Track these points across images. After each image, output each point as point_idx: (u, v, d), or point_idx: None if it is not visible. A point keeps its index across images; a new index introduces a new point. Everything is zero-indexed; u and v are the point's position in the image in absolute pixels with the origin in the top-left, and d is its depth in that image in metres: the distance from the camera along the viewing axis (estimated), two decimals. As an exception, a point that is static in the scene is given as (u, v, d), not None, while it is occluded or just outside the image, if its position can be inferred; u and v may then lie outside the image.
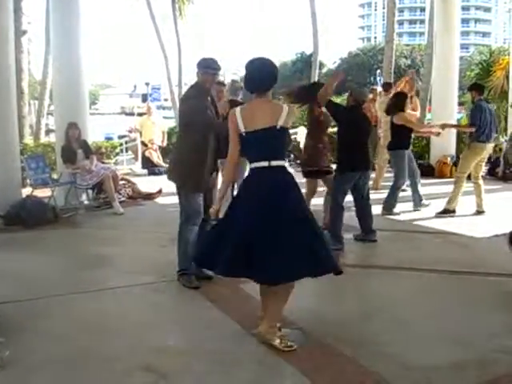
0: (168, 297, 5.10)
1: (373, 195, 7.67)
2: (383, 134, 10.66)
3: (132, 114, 49.97)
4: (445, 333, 4.25)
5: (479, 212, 8.79)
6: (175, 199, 10.16)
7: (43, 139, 17.12)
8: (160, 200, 10.41)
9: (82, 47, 9.96)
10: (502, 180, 12.26)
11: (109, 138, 22.66)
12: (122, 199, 9.83)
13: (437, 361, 3.76)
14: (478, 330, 4.30)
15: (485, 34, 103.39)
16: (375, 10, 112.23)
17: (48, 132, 21.94)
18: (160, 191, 10.69)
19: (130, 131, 17.79)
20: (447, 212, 8.64)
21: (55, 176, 9.84)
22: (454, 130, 10.65)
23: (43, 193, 9.19)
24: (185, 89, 34.37)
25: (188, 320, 4.54)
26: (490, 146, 8.81)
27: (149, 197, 10.52)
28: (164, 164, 15.23)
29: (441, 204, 8.82)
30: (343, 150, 6.81)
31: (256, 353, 3.88)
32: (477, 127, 8.35)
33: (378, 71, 29.08)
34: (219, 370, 3.66)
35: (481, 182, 8.85)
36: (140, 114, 25.63)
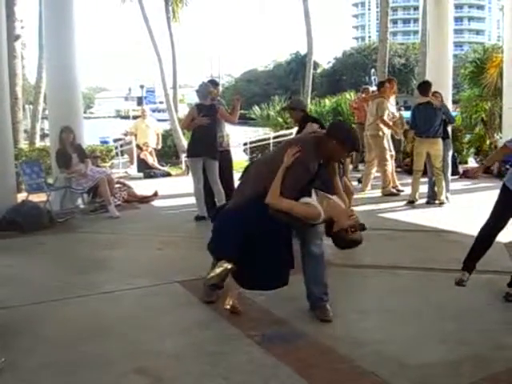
0: (165, 300, 5.09)
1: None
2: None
3: (127, 118, 50.13)
4: (440, 331, 4.26)
5: (440, 203, 9.26)
6: (171, 202, 10.30)
7: (38, 144, 17.08)
8: (156, 203, 10.40)
9: (76, 50, 9.92)
10: (497, 178, 12.26)
11: (104, 142, 22.65)
12: (118, 203, 9.80)
13: (433, 358, 3.77)
14: (473, 328, 4.31)
15: (478, 32, 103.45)
16: (369, 9, 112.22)
17: (43, 136, 21.93)
18: (156, 194, 10.68)
19: (126, 134, 17.76)
20: (409, 203, 9.45)
21: (50, 180, 9.81)
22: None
23: (39, 197, 9.17)
24: (179, 91, 34.32)
25: (184, 323, 4.53)
26: (428, 141, 9.16)
27: (144, 200, 10.50)
28: (159, 167, 15.23)
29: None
30: None
31: (251, 354, 3.89)
32: (414, 126, 9.37)
33: (373, 70, 29.06)
34: (215, 373, 3.66)
35: (440, 176, 9.22)
36: (135, 117, 25.61)
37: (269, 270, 4.40)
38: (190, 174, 9.03)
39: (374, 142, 10.48)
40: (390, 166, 10.50)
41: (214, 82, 9.42)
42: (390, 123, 10.43)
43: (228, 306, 4.50)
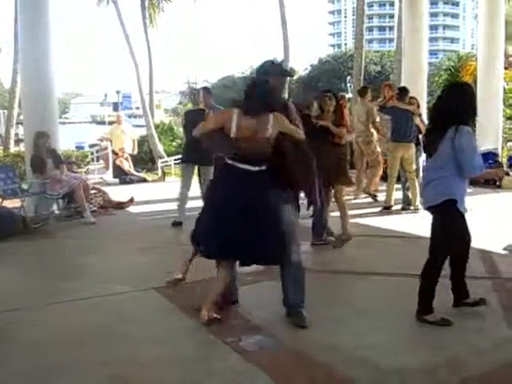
0: (141, 306, 5.06)
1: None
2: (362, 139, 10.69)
3: (103, 123, 49.79)
4: (417, 336, 4.30)
5: (415, 209, 9.20)
6: (147, 208, 10.25)
7: (13, 149, 16.94)
8: (131, 209, 10.34)
9: (51, 55, 9.80)
10: (471, 184, 12.37)
11: (80, 147, 22.51)
12: (93, 209, 9.73)
13: (410, 364, 3.80)
14: (448, 333, 4.34)
15: (453, 40, 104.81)
16: (345, 17, 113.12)
17: (18, 141, 21.70)
18: (132, 200, 10.61)
19: (101, 140, 17.67)
20: (385, 209, 9.52)
21: (25, 186, 9.70)
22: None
23: (13, 203, 9.06)
24: (156, 97, 34.22)
25: (161, 329, 4.50)
26: (404, 145, 9.26)
27: (120, 206, 10.43)
28: (135, 172, 15.16)
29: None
30: None
31: (229, 361, 3.88)
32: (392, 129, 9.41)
33: (349, 78, 29.31)
34: (192, 379, 3.64)
35: (414, 181, 9.29)
36: (111, 123, 25.46)
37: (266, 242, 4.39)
38: (180, 177, 8.93)
39: (368, 148, 10.55)
40: (381, 170, 10.64)
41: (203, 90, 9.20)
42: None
43: (205, 319, 4.46)
